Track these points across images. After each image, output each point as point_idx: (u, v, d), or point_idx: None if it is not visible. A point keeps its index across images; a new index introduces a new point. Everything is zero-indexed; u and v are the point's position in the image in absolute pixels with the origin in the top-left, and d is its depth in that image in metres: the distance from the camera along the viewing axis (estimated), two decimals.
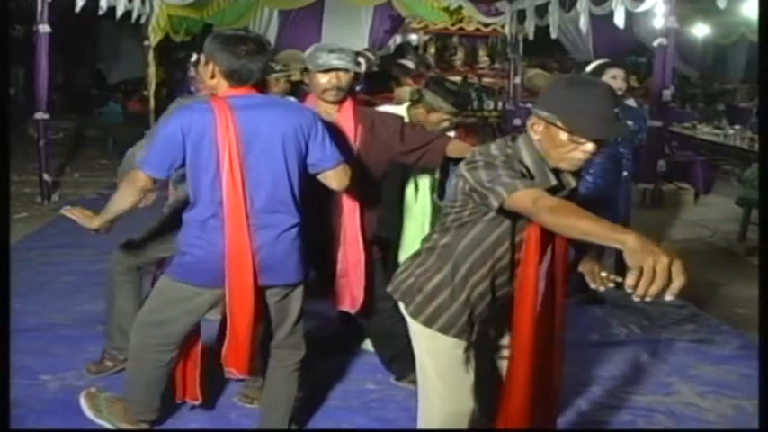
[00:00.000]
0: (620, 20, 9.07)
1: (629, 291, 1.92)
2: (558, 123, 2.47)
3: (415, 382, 3.75)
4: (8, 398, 3.15)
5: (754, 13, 9.64)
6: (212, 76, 3.22)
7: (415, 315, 2.78)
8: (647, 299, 1.92)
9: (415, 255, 2.89)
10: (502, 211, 2.43)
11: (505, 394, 2.76)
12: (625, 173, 5.53)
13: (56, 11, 8.87)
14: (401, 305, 2.85)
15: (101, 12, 10.00)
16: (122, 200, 3.26)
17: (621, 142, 5.39)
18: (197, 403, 3.66)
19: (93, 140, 13.85)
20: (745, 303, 5.74)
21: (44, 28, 8.70)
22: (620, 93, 5.12)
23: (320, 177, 3.40)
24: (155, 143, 3.20)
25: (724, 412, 4.09)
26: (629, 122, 5.19)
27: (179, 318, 3.37)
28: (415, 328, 2.82)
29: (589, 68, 5.41)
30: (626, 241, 1.97)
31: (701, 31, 12.89)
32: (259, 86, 3.29)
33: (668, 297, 1.92)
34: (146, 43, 11.81)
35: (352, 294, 3.93)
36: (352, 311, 3.98)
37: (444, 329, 2.73)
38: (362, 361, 4.47)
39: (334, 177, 3.40)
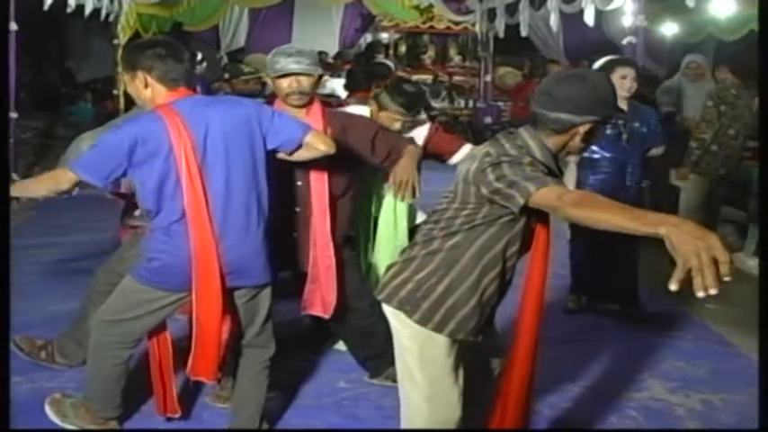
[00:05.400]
0: (589, 18, 9.10)
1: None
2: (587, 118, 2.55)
3: (390, 378, 3.76)
4: (8, 397, 3.11)
5: (721, 11, 9.78)
6: (146, 86, 3.21)
7: (422, 323, 2.68)
8: (712, 292, 1.98)
9: (408, 259, 2.76)
10: (521, 210, 2.43)
11: (504, 393, 2.79)
12: (628, 182, 5.09)
13: (23, 8, 8.78)
14: (400, 313, 2.72)
15: (69, 10, 9.93)
16: (39, 189, 3.33)
17: (629, 147, 5.07)
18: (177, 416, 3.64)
19: (63, 140, 13.49)
20: (714, 299, 5.76)
21: (11, 26, 8.59)
22: (629, 94, 4.98)
23: (305, 150, 3.32)
24: (96, 149, 3.16)
25: (693, 407, 4.13)
26: (636, 124, 5.07)
27: (140, 318, 3.36)
28: (409, 335, 2.72)
29: (597, 64, 5.14)
30: (662, 233, 1.98)
31: (669, 29, 12.96)
32: (191, 88, 3.30)
33: (712, 291, 1.97)
34: (115, 42, 11.70)
35: (323, 300, 3.89)
36: (326, 316, 3.93)
37: (454, 333, 2.68)
38: (334, 359, 4.46)
39: (317, 141, 3.33)
